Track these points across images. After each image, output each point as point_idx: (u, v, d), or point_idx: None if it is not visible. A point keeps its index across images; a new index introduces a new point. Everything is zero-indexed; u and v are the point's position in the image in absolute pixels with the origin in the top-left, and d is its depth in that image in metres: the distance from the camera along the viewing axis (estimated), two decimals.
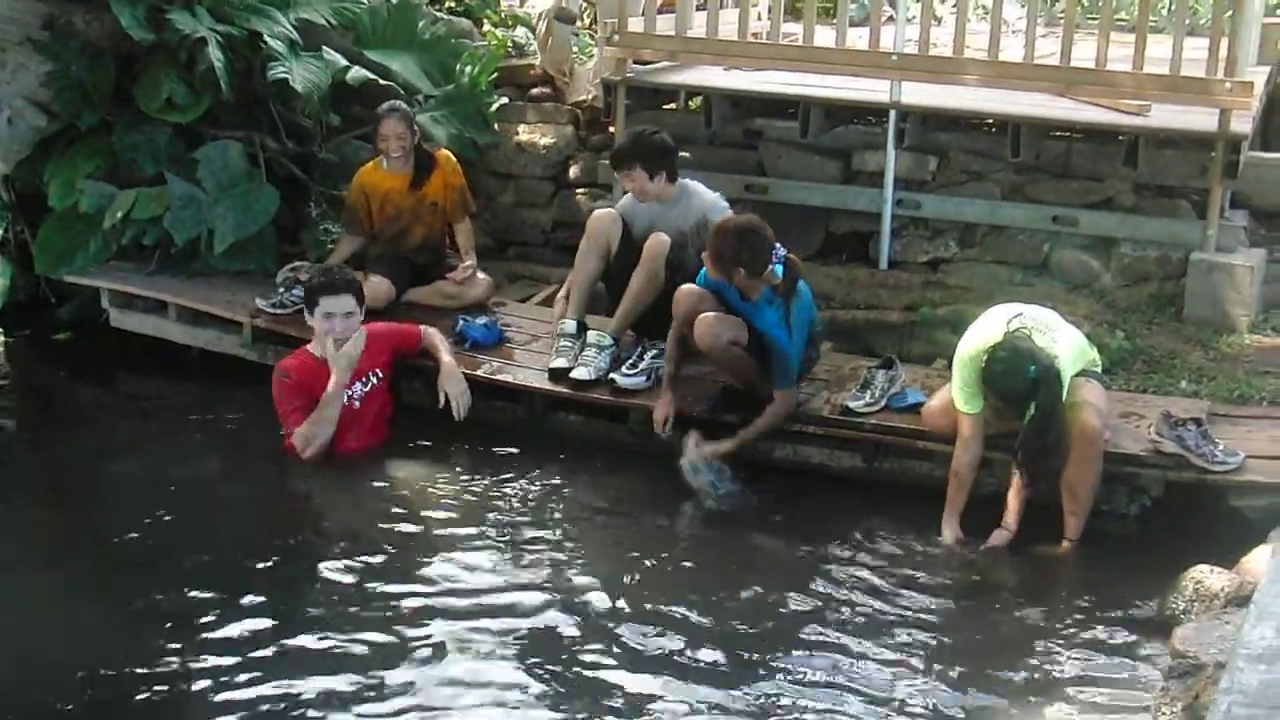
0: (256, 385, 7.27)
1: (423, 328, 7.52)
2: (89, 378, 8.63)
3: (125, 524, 6.49)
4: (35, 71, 8.64)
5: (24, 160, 8.75)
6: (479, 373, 7.46)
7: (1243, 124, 7.81)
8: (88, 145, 8.65)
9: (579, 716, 5.06)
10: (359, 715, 5.05)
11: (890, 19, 8.85)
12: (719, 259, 6.69)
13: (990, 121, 8.66)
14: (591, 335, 7.33)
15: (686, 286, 6.96)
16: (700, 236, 7.17)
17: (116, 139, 8.59)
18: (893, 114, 8.30)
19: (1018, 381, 6.11)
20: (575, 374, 7.22)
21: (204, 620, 5.63)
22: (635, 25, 8.80)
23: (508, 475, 6.93)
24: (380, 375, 7.20)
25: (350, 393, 7.07)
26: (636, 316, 7.40)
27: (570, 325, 7.48)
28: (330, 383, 6.93)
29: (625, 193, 7.71)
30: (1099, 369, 6.67)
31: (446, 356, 7.37)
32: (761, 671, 5.36)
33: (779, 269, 6.68)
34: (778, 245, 6.72)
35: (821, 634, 5.62)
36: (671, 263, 7.30)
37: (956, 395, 6.37)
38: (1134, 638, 5.59)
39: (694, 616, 5.72)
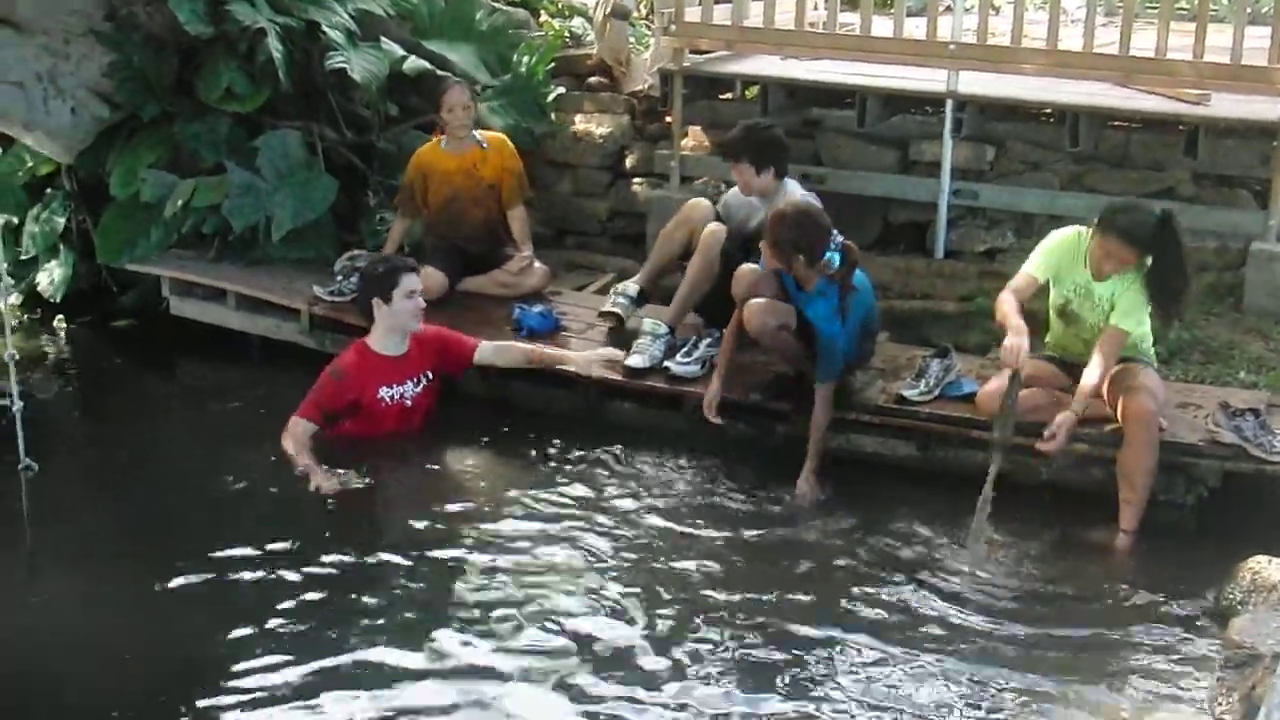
0: (315, 372, 7.31)
1: (483, 344, 7.39)
2: (149, 365, 8.73)
3: (184, 508, 6.59)
4: (98, 62, 8.75)
5: (86, 150, 8.88)
6: None
7: None
8: (149, 135, 8.75)
9: (621, 705, 5.06)
10: (410, 697, 5.10)
11: (948, 8, 8.83)
12: (777, 246, 6.69)
13: (1048, 111, 8.61)
14: (647, 324, 7.35)
15: (747, 266, 6.95)
16: None
17: (178, 129, 8.68)
18: (950, 103, 8.27)
19: (1145, 219, 6.29)
20: (630, 361, 7.25)
21: (259, 604, 5.67)
22: (692, 15, 8.81)
23: (560, 464, 6.95)
24: (430, 376, 7.22)
25: (402, 391, 7.09)
26: (692, 304, 7.42)
27: (632, 288, 7.60)
28: (316, 476, 6.71)
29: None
30: (1153, 358, 6.63)
31: (562, 354, 7.43)
32: (813, 661, 5.35)
33: (836, 258, 6.67)
34: (836, 232, 6.72)
35: (875, 623, 5.61)
36: (727, 253, 7.30)
37: (1027, 264, 6.53)
38: (1190, 628, 5.56)
39: (746, 606, 5.73)
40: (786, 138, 7.65)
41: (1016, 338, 6.24)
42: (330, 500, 6.54)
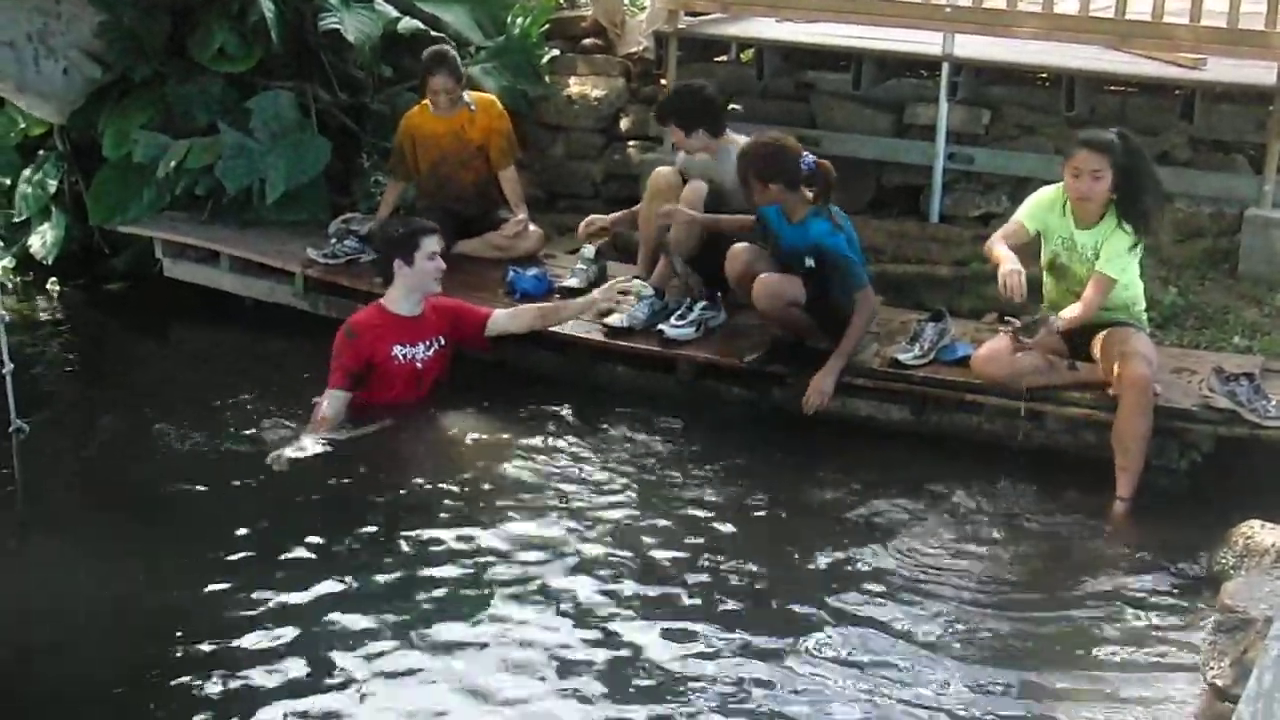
0: (308, 335, 7.30)
1: (495, 313, 7.34)
2: (142, 327, 8.71)
3: (176, 471, 6.56)
4: (89, 22, 8.71)
5: (78, 111, 8.84)
6: None
7: None
8: (141, 96, 8.72)
9: (613, 673, 5.06)
10: (401, 661, 5.11)
11: None
12: (747, 180, 6.81)
13: (1044, 75, 8.58)
14: (634, 284, 7.36)
15: (739, 245, 7.00)
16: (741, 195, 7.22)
17: (169, 89, 8.65)
18: (946, 67, 8.23)
19: (1105, 132, 6.40)
20: (610, 320, 7.27)
21: (249, 568, 5.68)
22: None
23: (553, 427, 6.93)
24: (443, 342, 7.17)
25: (415, 352, 7.06)
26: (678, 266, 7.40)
27: (589, 251, 7.80)
28: (312, 429, 6.78)
29: (674, 144, 7.71)
30: (1145, 323, 6.64)
31: (568, 303, 7.43)
32: (805, 625, 5.35)
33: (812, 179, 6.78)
34: (806, 154, 6.78)
35: (867, 588, 5.61)
36: (710, 208, 7.30)
37: (1016, 213, 6.71)
38: (1183, 592, 5.57)
39: (736, 570, 5.74)
40: (719, 95, 7.68)
41: (1012, 266, 6.34)
42: (324, 464, 6.53)
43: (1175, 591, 5.59)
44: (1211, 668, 4.68)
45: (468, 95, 8.28)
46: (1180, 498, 6.37)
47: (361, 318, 7.10)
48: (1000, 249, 6.48)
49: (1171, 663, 5.10)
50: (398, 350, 7.01)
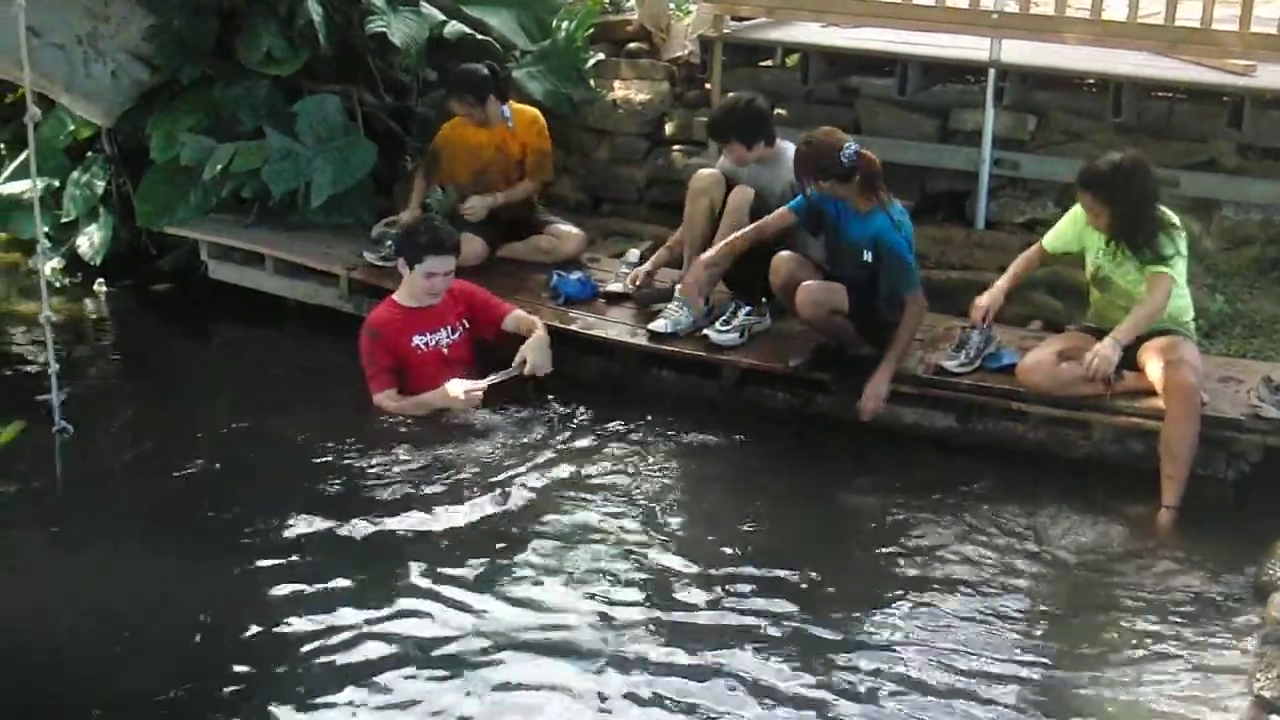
0: (352, 337, 7.32)
1: (515, 312, 7.38)
2: (187, 328, 8.77)
3: (219, 473, 6.60)
4: (138, 25, 8.77)
5: (126, 113, 8.91)
6: (573, 328, 7.48)
7: None
8: (189, 99, 8.77)
9: (657, 676, 5.08)
10: (447, 667, 5.14)
11: None
12: (804, 185, 6.85)
13: (1091, 81, 8.53)
14: (679, 289, 7.34)
15: (782, 254, 6.99)
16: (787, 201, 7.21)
17: (217, 93, 8.69)
18: (992, 72, 8.19)
19: (1098, 167, 6.39)
20: (652, 326, 7.27)
21: (291, 572, 5.71)
22: None
23: (598, 430, 6.95)
24: (467, 325, 7.25)
25: (437, 338, 7.15)
26: (724, 269, 7.37)
27: (634, 255, 7.86)
28: (439, 396, 6.94)
29: (720, 150, 7.69)
30: (1193, 332, 6.60)
31: (541, 330, 7.30)
32: (846, 631, 5.36)
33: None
34: (849, 145, 6.75)
35: (909, 595, 5.62)
36: (756, 213, 7.29)
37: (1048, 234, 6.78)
38: (1230, 603, 5.53)
39: (779, 576, 5.72)
40: (768, 106, 7.68)
41: (983, 303, 6.66)
42: (369, 466, 6.57)
43: (1221, 602, 5.56)
44: (1258, 679, 4.67)
45: (507, 110, 8.27)
46: (1227, 508, 6.33)
47: (379, 315, 7.22)
48: (997, 284, 6.72)
49: (1218, 674, 5.07)
50: (417, 340, 7.11)
